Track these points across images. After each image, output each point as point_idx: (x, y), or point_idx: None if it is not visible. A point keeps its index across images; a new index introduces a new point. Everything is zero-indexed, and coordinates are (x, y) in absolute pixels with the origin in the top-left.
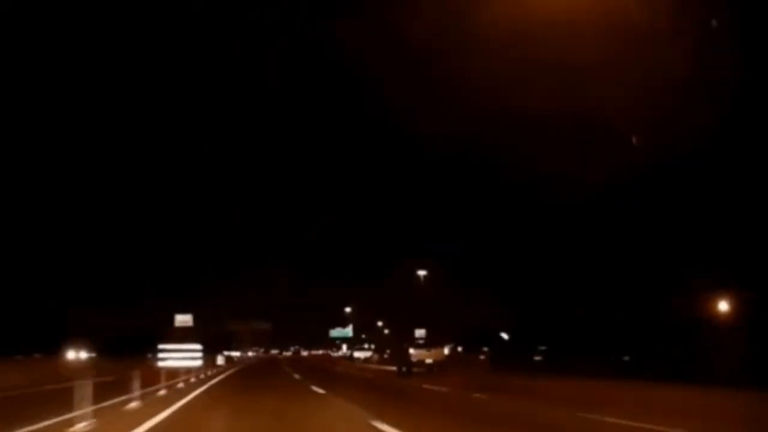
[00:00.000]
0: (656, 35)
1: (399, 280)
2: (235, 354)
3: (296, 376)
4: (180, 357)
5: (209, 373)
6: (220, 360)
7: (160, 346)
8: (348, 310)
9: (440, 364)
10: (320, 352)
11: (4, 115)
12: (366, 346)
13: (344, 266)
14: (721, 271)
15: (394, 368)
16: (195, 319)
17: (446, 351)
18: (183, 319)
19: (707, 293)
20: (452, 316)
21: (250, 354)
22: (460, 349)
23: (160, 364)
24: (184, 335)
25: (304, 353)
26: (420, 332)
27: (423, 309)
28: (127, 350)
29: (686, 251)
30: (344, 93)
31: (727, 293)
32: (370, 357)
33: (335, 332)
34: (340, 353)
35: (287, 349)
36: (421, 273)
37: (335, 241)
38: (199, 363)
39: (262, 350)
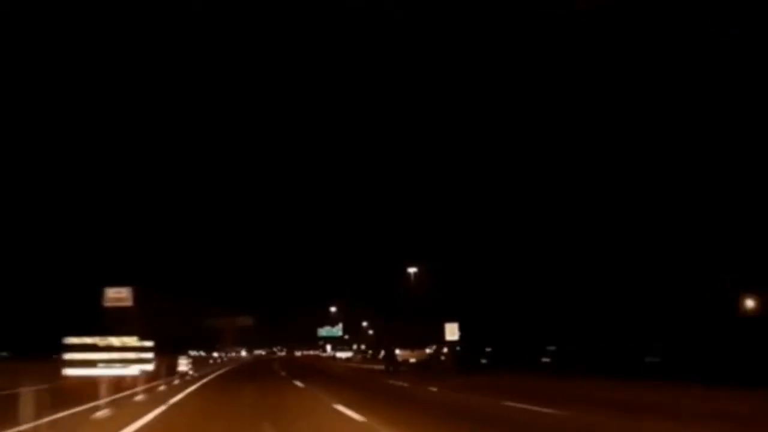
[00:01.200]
0: None
1: (388, 281)
2: (217, 355)
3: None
4: (107, 359)
5: (138, 397)
6: (183, 364)
7: (69, 341)
8: (333, 309)
9: (422, 363)
10: (311, 352)
11: None
12: (355, 346)
13: (334, 265)
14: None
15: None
16: (137, 297)
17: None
18: (116, 295)
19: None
20: (439, 318)
21: (233, 354)
22: (445, 350)
23: (69, 372)
24: (117, 321)
25: (297, 353)
26: (452, 326)
27: (412, 310)
28: (42, 348)
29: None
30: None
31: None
32: (352, 357)
33: (324, 331)
34: (326, 353)
35: (273, 349)
36: (412, 270)
37: (325, 240)
38: (136, 370)
39: (244, 350)
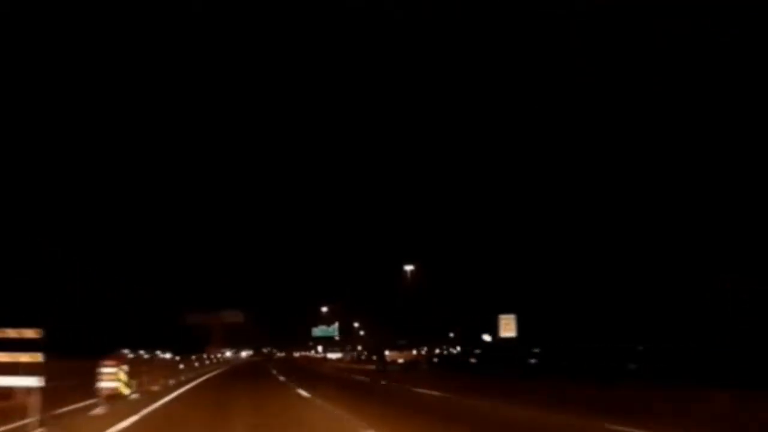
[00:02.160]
0: None
1: (384, 281)
2: (205, 357)
3: None
4: None
5: None
6: (107, 378)
7: None
8: (324, 309)
9: (409, 364)
10: (306, 353)
11: None
12: (349, 347)
13: (330, 265)
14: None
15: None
16: None
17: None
18: None
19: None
20: (432, 319)
21: (218, 356)
22: (438, 351)
23: None
24: None
25: (296, 354)
26: (507, 319)
27: (405, 312)
28: None
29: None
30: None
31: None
32: (342, 357)
33: (319, 331)
34: (318, 354)
35: (262, 350)
36: (409, 268)
37: (322, 239)
38: None
39: (234, 351)
